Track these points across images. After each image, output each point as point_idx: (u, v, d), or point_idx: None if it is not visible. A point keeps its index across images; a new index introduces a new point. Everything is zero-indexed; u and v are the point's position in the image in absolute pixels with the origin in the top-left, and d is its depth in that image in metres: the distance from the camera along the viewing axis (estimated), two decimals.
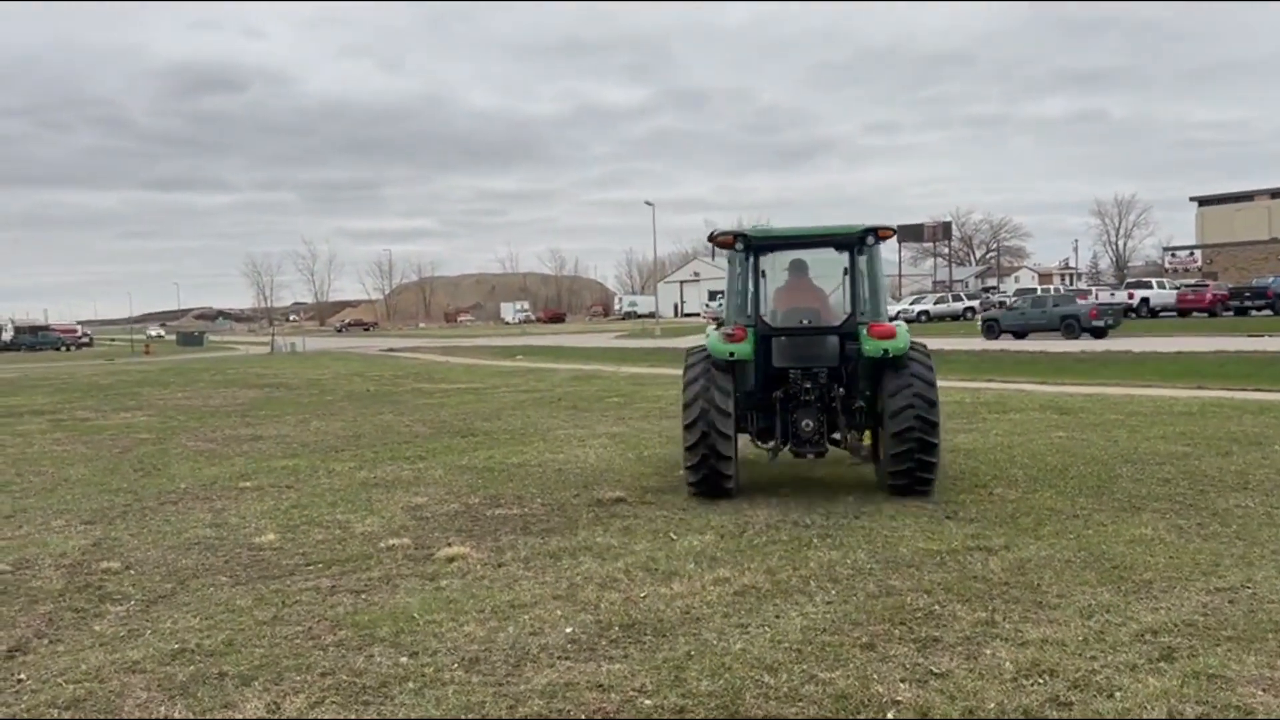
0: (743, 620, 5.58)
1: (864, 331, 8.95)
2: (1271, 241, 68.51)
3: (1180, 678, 4.60)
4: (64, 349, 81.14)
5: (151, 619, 5.94)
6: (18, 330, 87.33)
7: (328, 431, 15.54)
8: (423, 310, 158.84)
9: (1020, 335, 38.06)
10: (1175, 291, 51.85)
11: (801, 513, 8.29)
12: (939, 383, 9.07)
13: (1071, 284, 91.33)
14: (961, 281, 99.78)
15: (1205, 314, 47.98)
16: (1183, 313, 49.12)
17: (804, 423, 9.04)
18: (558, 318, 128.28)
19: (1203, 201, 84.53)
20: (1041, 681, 4.62)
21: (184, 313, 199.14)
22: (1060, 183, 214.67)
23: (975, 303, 65.04)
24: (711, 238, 9.86)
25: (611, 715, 4.37)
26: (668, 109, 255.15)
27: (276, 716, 4.45)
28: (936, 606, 5.73)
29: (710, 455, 8.66)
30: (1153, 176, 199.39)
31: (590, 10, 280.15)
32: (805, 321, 9.49)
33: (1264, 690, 4.45)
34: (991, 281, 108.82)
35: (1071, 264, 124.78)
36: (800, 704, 4.43)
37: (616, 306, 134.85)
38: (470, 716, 4.38)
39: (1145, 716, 4.26)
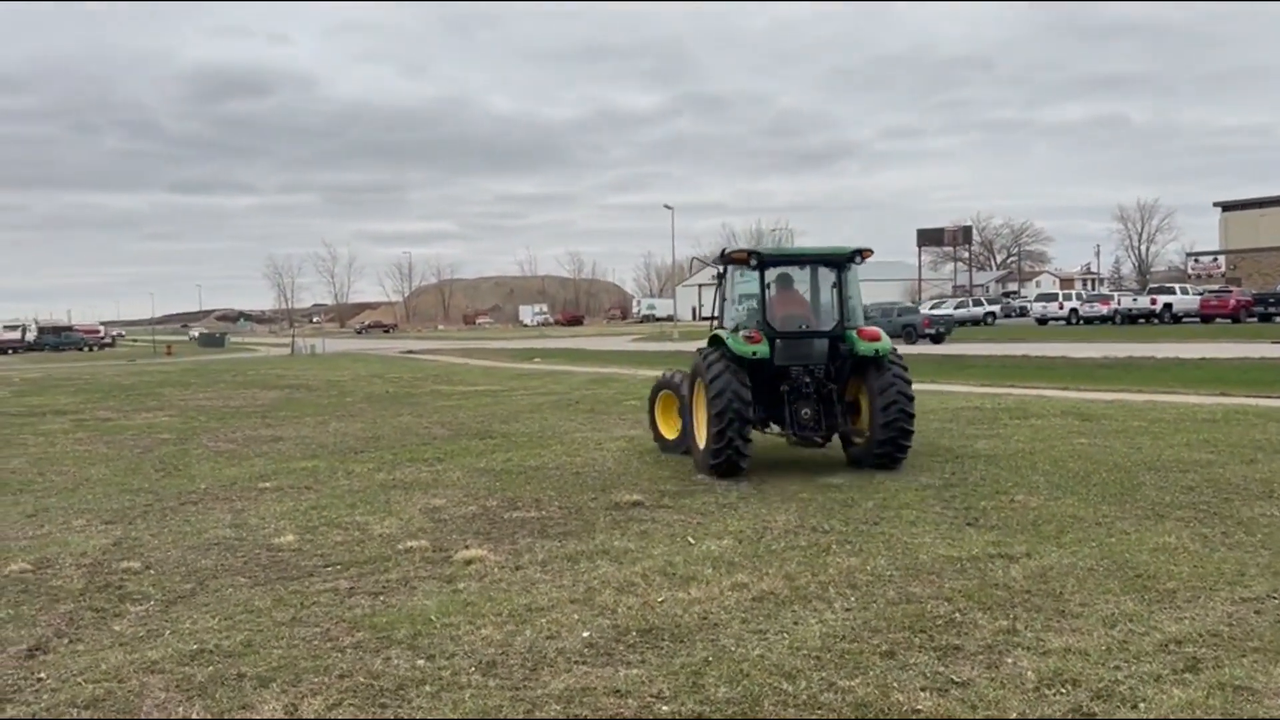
0: (761, 626, 5.54)
1: (853, 335, 10.60)
2: None
3: (1205, 689, 4.53)
4: (87, 349, 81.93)
5: (171, 619, 5.96)
6: (41, 330, 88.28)
7: (347, 433, 15.60)
8: (442, 312, 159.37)
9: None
10: (1198, 297, 51.40)
11: (820, 519, 8.25)
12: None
13: (1094, 289, 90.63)
14: (982, 286, 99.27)
15: (1229, 320, 47.54)
16: (1206, 319, 48.70)
17: (803, 412, 10.57)
18: (576, 320, 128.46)
19: (1226, 207, 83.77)
20: (1064, 691, 4.57)
21: (206, 314, 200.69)
22: (1082, 187, 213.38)
23: (996, 307, 64.72)
24: (724, 255, 11.16)
25: None
26: (687, 113, 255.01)
27: (294, 718, 4.45)
28: (957, 614, 5.68)
29: (735, 440, 9.93)
30: (1176, 181, 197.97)
31: (611, 16, 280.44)
32: (804, 326, 10.96)
33: None
34: (1013, 286, 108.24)
35: (1093, 269, 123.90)
36: (819, 712, 4.40)
37: (634, 309, 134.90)
38: None
39: None
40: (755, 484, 9.95)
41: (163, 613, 6.11)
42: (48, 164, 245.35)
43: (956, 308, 62.37)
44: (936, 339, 43.76)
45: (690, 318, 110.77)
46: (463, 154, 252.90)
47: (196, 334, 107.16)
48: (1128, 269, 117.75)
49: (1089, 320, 53.54)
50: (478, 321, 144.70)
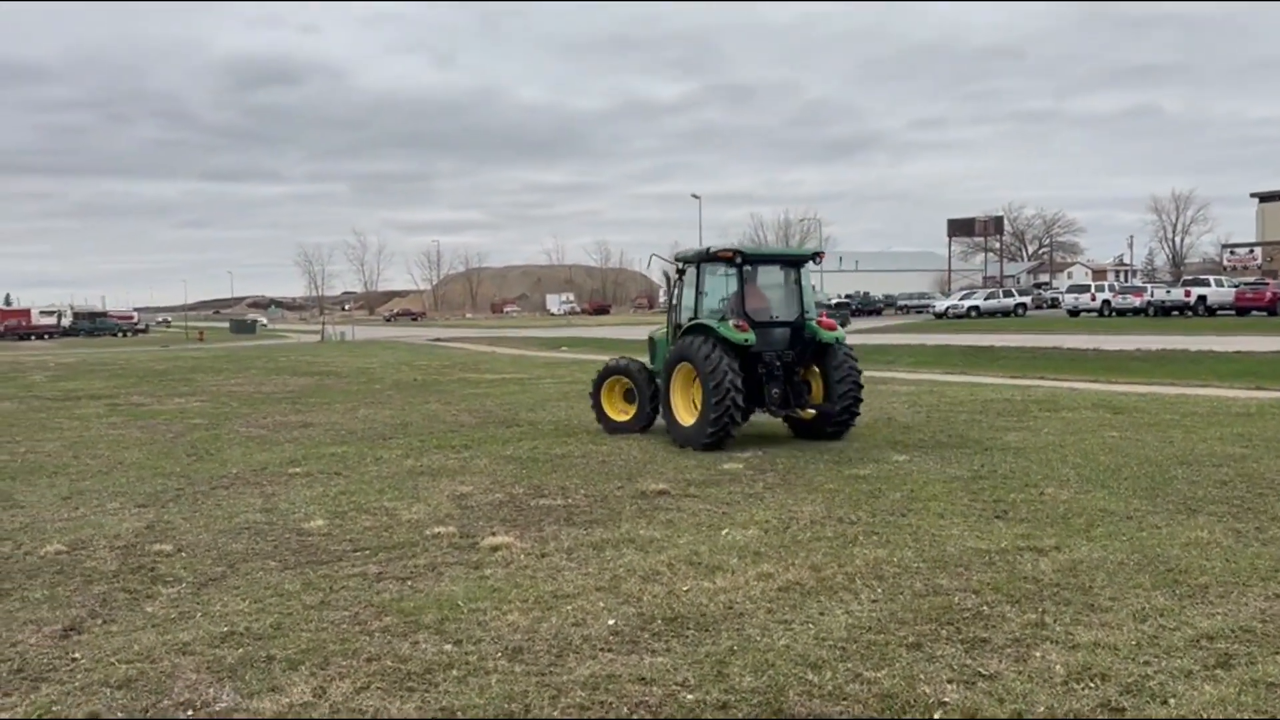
0: (786, 616, 5.53)
1: (814, 324, 12.24)
2: None
3: (1238, 685, 4.47)
4: (121, 335, 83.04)
5: (202, 601, 6.04)
6: (76, 316, 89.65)
7: (376, 419, 15.71)
8: (469, 301, 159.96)
9: None
10: (1234, 289, 50.58)
11: (847, 510, 8.21)
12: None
13: (1126, 280, 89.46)
14: (1013, 277, 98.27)
15: (1265, 312, 46.75)
16: (1241, 311, 47.91)
17: (774, 390, 11.99)
18: (602, 309, 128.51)
19: (1263, 198, 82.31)
20: (1093, 686, 4.52)
21: (237, 300, 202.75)
22: (1115, 178, 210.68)
23: (1027, 299, 64.06)
24: (713, 253, 12.26)
25: (654, 708, 4.35)
26: (714, 103, 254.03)
27: (322, 701, 4.49)
28: (985, 607, 5.64)
29: (731, 418, 11.35)
30: (1212, 172, 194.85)
31: (638, 8, 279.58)
32: (775, 316, 12.37)
33: None
34: (1044, 277, 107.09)
35: (1126, 260, 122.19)
36: (845, 703, 4.38)
37: (661, 299, 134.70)
38: (513, 706, 4.39)
39: None
40: (781, 475, 9.93)
41: (194, 595, 6.19)
42: (83, 152, 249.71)
43: (987, 298, 61.82)
44: (843, 323, 50.48)
45: None
46: (491, 144, 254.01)
47: (260, 319, 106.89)
48: (1161, 260, 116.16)
49: (1121, 312, 52.88)
50: (505, 310, 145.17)
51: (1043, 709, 4.29)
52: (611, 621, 5.50)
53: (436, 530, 7.75)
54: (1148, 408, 14.96)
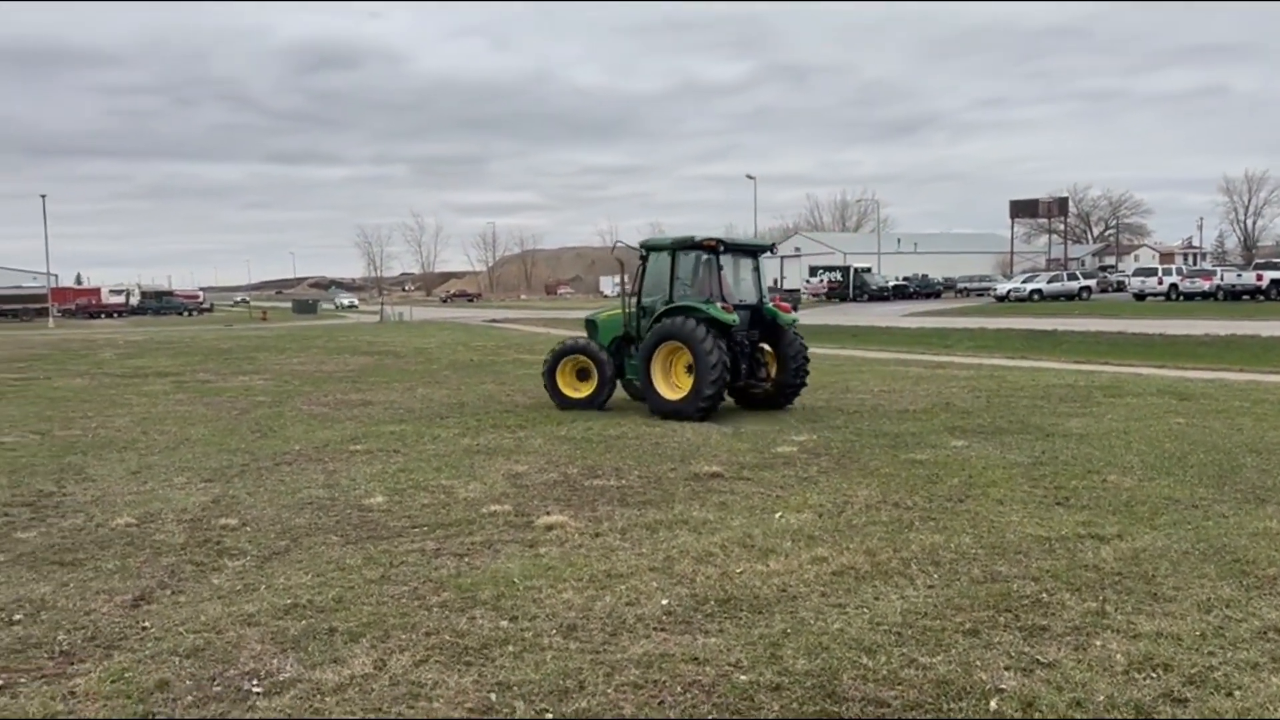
0: (840, 600, 5.51)
1: (773, 308, 13.70)
2: None
3: None
4: (186, 314, 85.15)
5: (266, 574, 6.20)
6: (144, 295, 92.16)
7: (433, 399, 15.92)
8: (524, 282, 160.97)
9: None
10: None
11: (903, 495, 8.14)
12: None
13: (1195, 263, 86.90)
14: (1077, 260, 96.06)
15: None
16: None
17: (742, 366, 13.27)
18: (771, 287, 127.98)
19: None
20: (1155, 676, 4.44)
21: (298, 281, 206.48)
22: (1184, 158, 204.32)
23: (1092, 281, 62.58)
24: (698, 242, 13.39)
25: (707, 688, 4.38)
26: (770, 84, 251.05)
27: (383, 672, 4.59)
28: (1044, 594, 5.56)
29: (721, 389, 12.71)
30: None
31: None
32: (741, 300, 13.54)
33: None
34: (1110, 260, 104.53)
35: (1195, 243, 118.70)
36: (899, 688, 4.36)
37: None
38: (568, 682, 4.45)
39: (1267, 717, 4.06)
40: (835, 459, 9.87)
41: (259, 568, 6.35)
42: (152, 136, 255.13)
43: (1050, 281, 60.52)
44: (793, 306, 57.32)
45: (772, 289, 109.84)
46: (546, 126, 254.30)
47: (348, 301, 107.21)
48: (1232, 243, 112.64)
49: (1189, 296, 51.37)
50: (559, 291, 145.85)
51: (1103, 698, 4.23)
52: (665, 601, 5.53)
53: (492, 508, 7.85)
54: (1216, 394, 14.56)
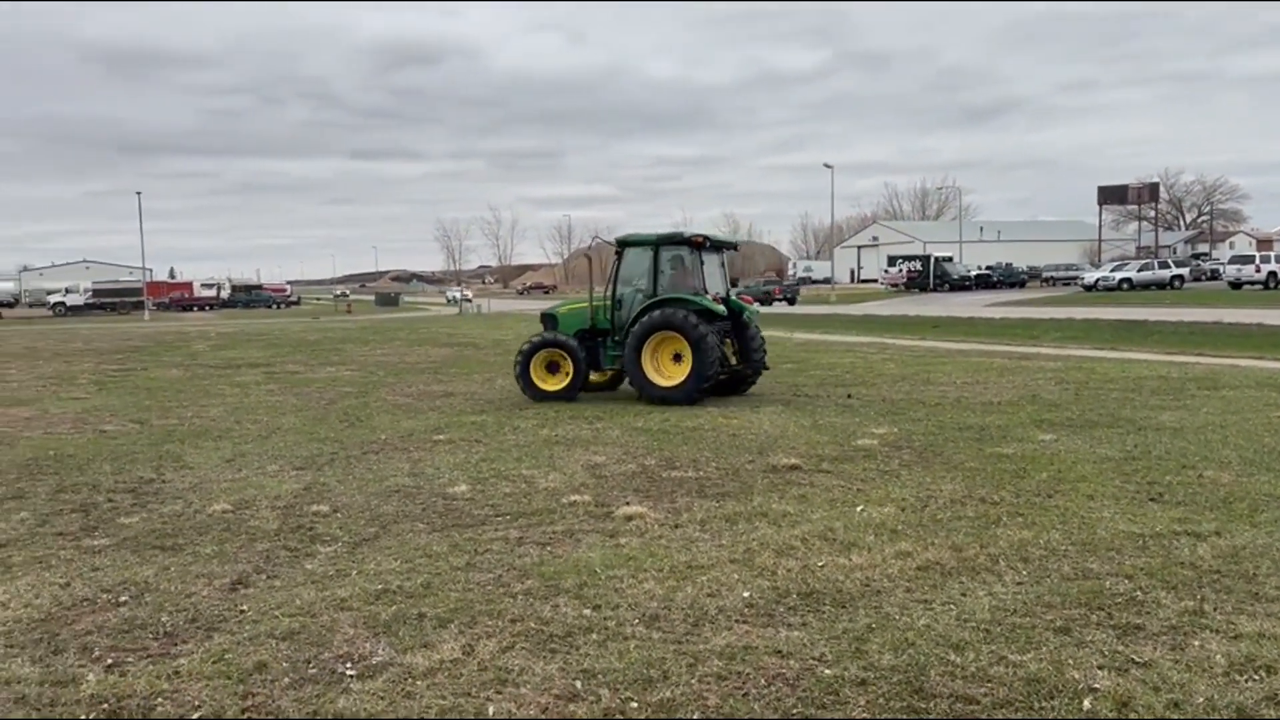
0: (926, 596, 5.44)
1: (738, 300, 14.68)
2: None
3: None
4: (274, 306, 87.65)
5: (357, 560, 6.37)
6: (234, 289, 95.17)
7: (512, 390, 16.10)
8: (599, 274, 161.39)
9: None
10: None
11: (989, 489, 7.98)
12: None
13: None
14: (1169, 247, 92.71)
15: None
16: None
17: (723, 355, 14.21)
18: (731, 283, 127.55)
19: None
20: (1257, 678, 4.29)
21: (380, 274, 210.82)
22: None
23: (1184, 270, 60.30)
24: (686, 238, 14.40)
25: (791, 681, 4.37)
26: (846, 72, 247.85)
27: (471, 658, 4.69)
28: (1139, 593, 5.41)
29: (715, 376, 13.62)
30: None
31: None
32: (714, 293, 14.34)
33: None
34: (1203, 247, 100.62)
35: None
36: (989, 685, 4.29)
37: (790, 271, 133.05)
38: (651, 672, 4.48)
39: None
40: (918, 452, 9.73)
41: (349, 554, 6.53)
42: (241, 135, 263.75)
43: (1140, 270, 58.53)
44: (791, 301, 60.64)
45: (848, 280, 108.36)
46: (621, 118, 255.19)
47: (459, 294, 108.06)
48: None
49: None
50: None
51: (1202, 700, 4.10)
52: (746, 594, 5.52)
53: (572, 498, 7.93)
54: None
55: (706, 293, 14.03)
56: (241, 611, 5.42)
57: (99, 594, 5.75)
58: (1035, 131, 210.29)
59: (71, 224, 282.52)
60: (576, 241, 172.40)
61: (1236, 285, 52.08)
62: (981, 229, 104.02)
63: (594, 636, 4.92)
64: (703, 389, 13.54)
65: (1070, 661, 4.50)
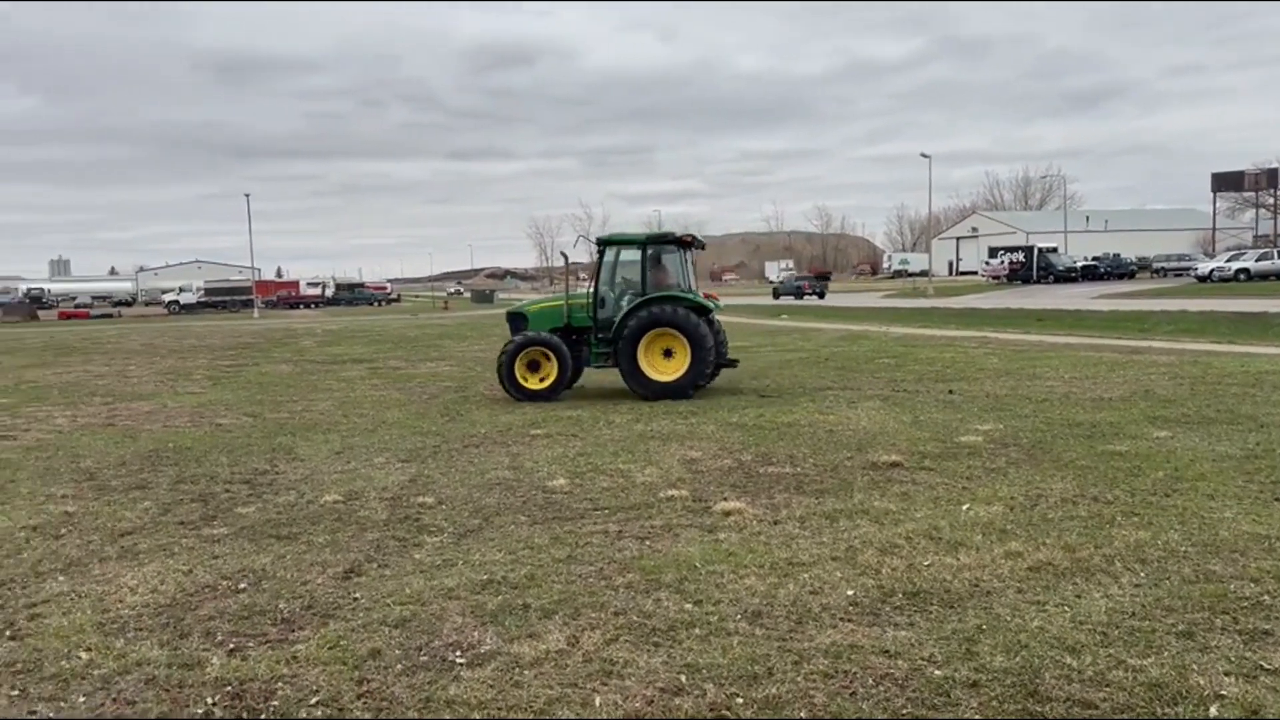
0: (1038, 597, 5.28)
1: (700, 297, 14.69)
2: None
3: None
4: (376, 304, 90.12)
5: (462, 551, 6.51)
6: (338, 287, 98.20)
7: (604, 385, 16.23)
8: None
9: (785, 294, 65.96)
10: None
11: (1102, 488, 7.71)
12: None
13: None
14: None
15: None
16: None
17: None
18: (823, 276, 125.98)
19: None
20: None
21: (476, 272, 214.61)
22: None
23: None
24: (677, 237, 15.06)
25: (899, 681, 4.29)
26: (943, 59, 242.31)
27: (576, 649, 4.75)
28: (1266, 596, 5.16)
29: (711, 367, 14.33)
30: None
31: None
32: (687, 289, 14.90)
33: None
34: None
35: None
36: (1107, 690, 4.14)
37: (885, 265, 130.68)
38: (756, 668, 4.46)
39: None
40: (1026, 450, 9.45)
41: (455, 544, 6.68)
42: (343, 137, 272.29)
43: (1259, 260, 55.69)
44: (820, 295, 63.64)
45: (946, 272, 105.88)
46: (711, 114, 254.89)
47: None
48: None
49: None
50: (723, 278, 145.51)
51: None
52: (850, 592, 5.45)
53: (670, 493, 7.95)
54: None
55: (692, 289, 14.70)
56: (355, 599, 5.59)
57: (219, 581, 6.01)
58: (1143, 117, 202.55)
59: (184, 225, 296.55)
60: None
61: None
62: (1087, 218, 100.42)
63: (696, 631, 4.93)
64: (702, 381, 14.17)
65: (1194, 667, 4.32)
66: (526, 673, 4.50)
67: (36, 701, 4.34)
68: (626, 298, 14.63)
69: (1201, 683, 4.17)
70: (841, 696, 4.18)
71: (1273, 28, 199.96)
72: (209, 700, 4.33)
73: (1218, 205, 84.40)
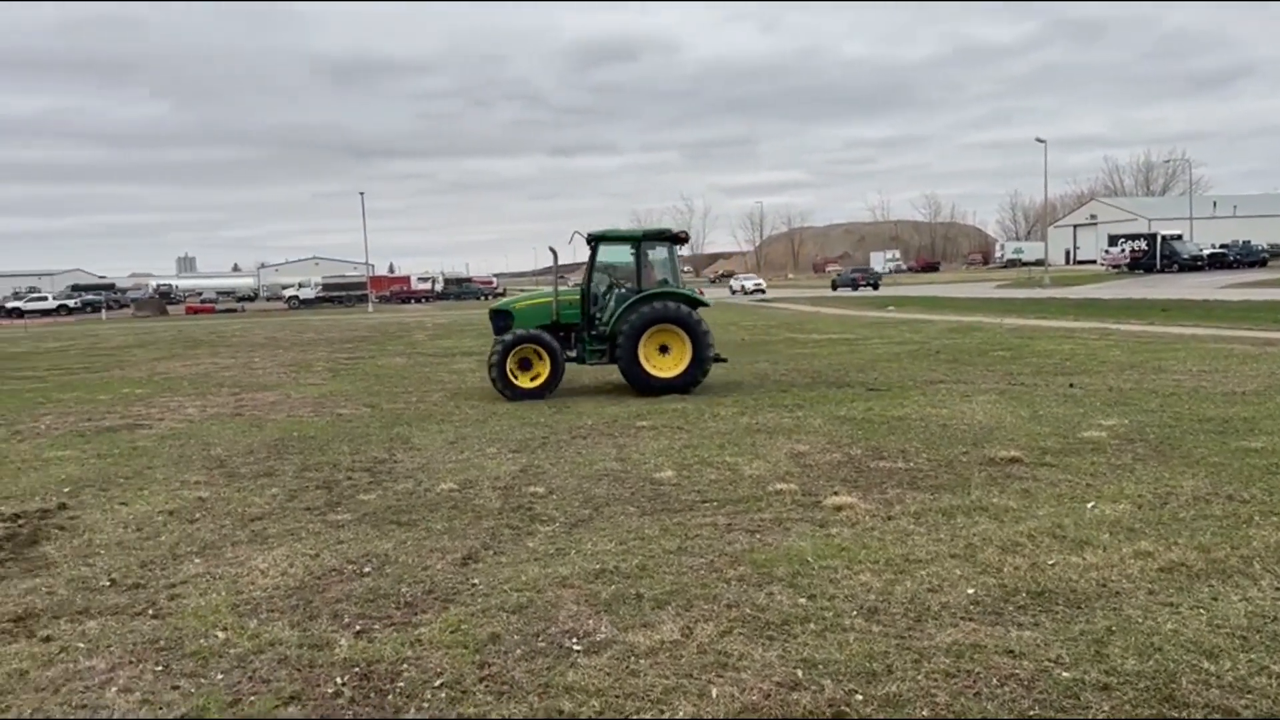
0: (1172, 599, 5.06)
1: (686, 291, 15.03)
2: None
3: None
4: (482, 298, 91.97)
5: (574, 540, 6.60)
6: (447, 282, 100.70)
7: (709, 377, 16.20)
8: (791, 261, 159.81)
9: (842, 286, 70.87)
10: None
11: (1237, 486, 7.33)
12: None
13: None
14: None
15: None
16: None
17: None
18: (931, 267, 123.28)
19: None
20: None
21: (577, 266, 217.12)
22: None
23: None
24: (673, 235, 15.08)
25: (1025, 682, 4.17)
26: (1056, 41, 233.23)
27: (690, 640, 4.76)
28: None
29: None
30: None
31: None
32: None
33: None
34: None
35: None
36: (1250, 696, 3.95)
37: (997, 254, 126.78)
38: (874, 665, 4.40)
39: None
40: (1153, 445, 9.05)
41: (567, 534, 6.78)
42: (452, 135, 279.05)
43: None
44: (875, 287, 68.06)
45: (1064, 261, 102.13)
46: (814, 103, 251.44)
47: (737, 285, 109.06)
48: None
49: None
50: (828, 269, 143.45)
51: None
52: (970, 590, 5.32)
53: (778, 487, 7.89)
54: None
55: (685, 286, 15.04)
56: (473, 585, 5.73)
57: (345, 565, 6.23)
58: (1272, 98, 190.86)
59: (302, 223, 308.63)
60: (769, 229, 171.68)
61: None
62: (1215, 204, 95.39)
63: (811, 626, 4.88)
64: (703, 375, 14.28)
65: None
66: (642, 662, 4.53)
67: (179, 678, 4.58)
68: (618, 294, 14.72)
69: None
70: (965, 696, 4.08)
71: None
72: (339, 680, 4.49)
73: None
